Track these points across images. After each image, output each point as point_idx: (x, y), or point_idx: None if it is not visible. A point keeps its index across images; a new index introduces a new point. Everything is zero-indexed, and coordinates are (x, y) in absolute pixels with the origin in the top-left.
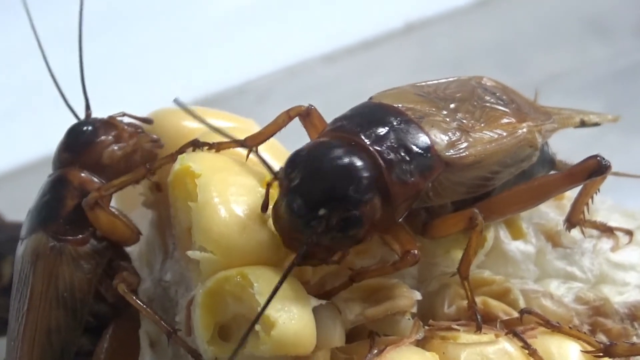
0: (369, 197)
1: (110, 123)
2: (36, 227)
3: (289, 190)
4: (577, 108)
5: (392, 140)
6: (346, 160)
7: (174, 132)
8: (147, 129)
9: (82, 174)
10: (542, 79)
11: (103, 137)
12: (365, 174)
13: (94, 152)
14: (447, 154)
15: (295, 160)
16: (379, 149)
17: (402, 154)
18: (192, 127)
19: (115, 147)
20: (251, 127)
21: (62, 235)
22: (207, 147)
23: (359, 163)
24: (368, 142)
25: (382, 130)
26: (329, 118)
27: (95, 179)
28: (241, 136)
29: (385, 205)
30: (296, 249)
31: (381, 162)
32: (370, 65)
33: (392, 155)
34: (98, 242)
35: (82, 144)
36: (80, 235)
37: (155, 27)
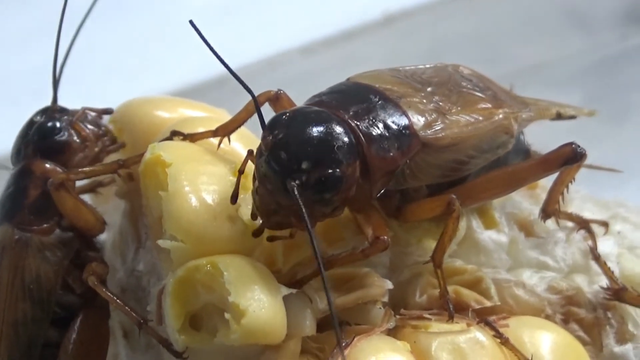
0: (350, 160)
1: (75, 128)
2: (1, 219)
3: (273, 145)
4: (556, 100)
5: (372, 116)
6: (330, 122)
7: (147, 121)
8: (114, 124)
9: (47, 165)
10: (521, 71)
11: (72, 143)
12: (347, 139)
13: (63, 157)
14: (423, 134)
15: (278, 120)
16: (358, 123)
17: (381, 129)
18: (165, 117)
19: (82, 155)
20: (224, 117)
21: (27, 226)
22: (181, 138)
23: (341, 127)
24: (347, 117)
25: (361, 107)
26: None
27: (59, 169)
28: (214, 126)
29: (363, 179)
30: (270, 214)
31: (361, 135)
32: (349, 56)
33: (371, 130)
34: (64, 232)
35: (51, 148)
36: (45, 225)
37: (134, 18)
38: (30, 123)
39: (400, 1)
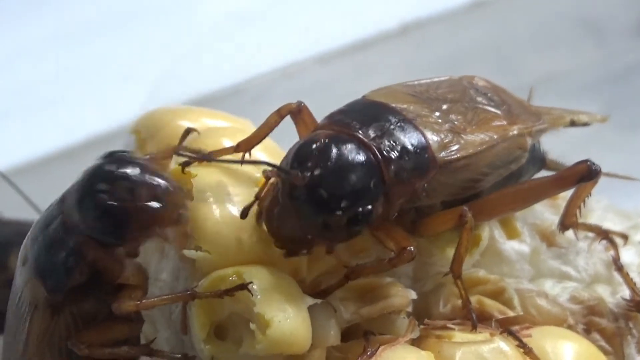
0: (379, 194)
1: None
2: (34, 274)
3: (310, 181)
4: (569, 108)
5: (390, 138)
6: (362, 156)
7: (171, 131)
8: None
9: (101, 252)
10: (537, 81)
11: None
12: (377, 172)
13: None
14: (440, 155)
15: (309, 151)
16: (377, 145)
17: (400, 152)
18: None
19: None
20: (247, 127)
21: (64, 298)
22: (198, 161)
23: (371, 160)
24: (367, 139)
25: (380, 128)
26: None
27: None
28: (238, 136)
29: (384, 201)
30: (288, 241)
31: (380, 158)
32: (364, 66)
33: (390, 153)
34: (100, 297)
35: (107, 232)
36: (82, 297)
37: (151, 27)
38: (93, 191)
39: (416, 11)
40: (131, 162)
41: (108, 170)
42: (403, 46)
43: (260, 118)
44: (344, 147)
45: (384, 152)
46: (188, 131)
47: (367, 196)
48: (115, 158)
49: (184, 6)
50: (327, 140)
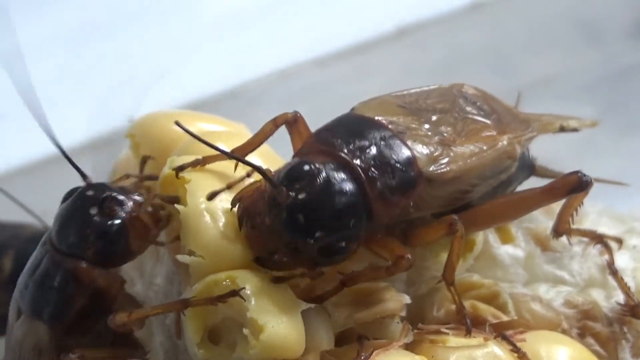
0: (359, 229)
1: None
2: (37, 317)
3: (291, 203)
4: (567, 112)
5: (376, 157)
6: (350, 190)
7: (165, 135)
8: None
9: (94, 271)
10: (533, 83)
11: (133, 244)
12: (362, 208)
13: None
14: (428, 170)
15: (300, 172)
16: (362, 165)
17: (386, 171)
18: (181, 132)
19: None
20: (242, 132)
21: (66, 335)
22: (192, 165)
23: (357, 193)
24: (351, 158)
25: (365, 146)
26: (320, 122)
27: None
28: (233, 141)
29: (368, 222)
30: (263, 254)
31: (364, 178)
32: (362, 69)
33: (375, 173)
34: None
35: (112, 256)
36: (85, 331)
37: (147, 30)
38: (87, 218)
39: (413, 14)
40: (102, 185)
41: (91, 196)
42: (401, 49)
43: (257, 121)
44: (334, 179)
45: (368, 171)
46: (145, 159)
47: (343, 234)
48: (86, 187)
49: (181, 8)
50: (319, 167)
